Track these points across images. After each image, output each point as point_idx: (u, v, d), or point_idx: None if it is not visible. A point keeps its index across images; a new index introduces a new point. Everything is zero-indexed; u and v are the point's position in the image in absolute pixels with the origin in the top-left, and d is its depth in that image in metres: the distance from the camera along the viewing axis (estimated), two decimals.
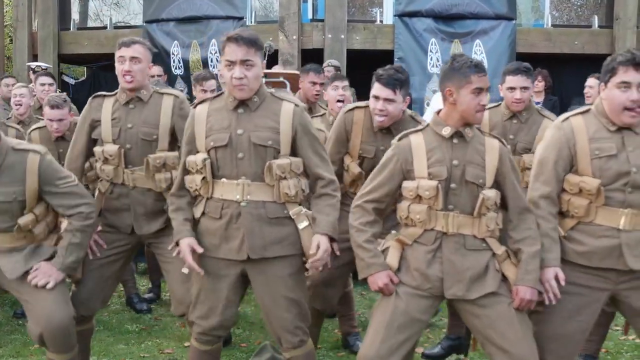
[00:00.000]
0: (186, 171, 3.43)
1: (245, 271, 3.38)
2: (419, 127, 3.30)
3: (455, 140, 3.17)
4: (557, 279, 3.19)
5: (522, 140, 4.55)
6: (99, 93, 4.05)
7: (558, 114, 7.03)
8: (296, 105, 3.40)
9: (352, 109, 4.09)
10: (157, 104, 3.90)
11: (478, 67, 3.11)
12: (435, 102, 7.58)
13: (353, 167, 4.04)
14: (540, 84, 8.09)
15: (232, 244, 3.32)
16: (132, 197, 3.86)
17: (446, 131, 3.17)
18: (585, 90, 7.17)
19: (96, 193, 3.99)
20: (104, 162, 3.88)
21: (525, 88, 4.52)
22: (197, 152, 3.39)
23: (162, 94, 3.96)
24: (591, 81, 7.04)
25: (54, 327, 3.43)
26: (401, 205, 3.24)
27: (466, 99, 3.11)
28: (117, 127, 3.86)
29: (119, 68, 3.85)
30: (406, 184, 3.20)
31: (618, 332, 5.17)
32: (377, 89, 3.92)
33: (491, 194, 3.13)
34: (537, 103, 8.01)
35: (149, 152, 3.85)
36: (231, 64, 3.24)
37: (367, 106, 4.05)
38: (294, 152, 3.38)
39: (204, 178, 3.34)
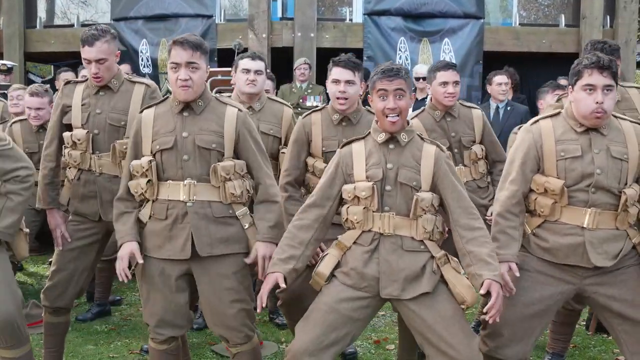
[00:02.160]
0: (130, 176, 3.47)
1: (190, 270, 3.44)
2: (362, 135, 3.40)
3: (391, 146, 3.26)
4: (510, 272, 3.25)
5: (464, 134, 4.60)
6: (71, 80, 4.11)
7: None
8: (239, 110, 3.49)
9: (309, 114, 4.17)
10: (127, 91, 3.95)
11: (385, 72, 3.19)
12: None
13: (319, 164, 4.06)
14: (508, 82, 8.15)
15: (176, 243, 3.38)
16: (98, 183, 3.91)
17: (381, 137, 3.26)
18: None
19: (65, 182, 4.06)
20: (72, 147, 3.92)
21: (456, 82, 4.57)
22: (142, 156, 3.44)
23: (134, 82, 4.01)
24: (564, 81, 7.12)
25: None
26: (342, 209, 3.32)
27: (374, 103, 3.23)
28: (86, 113, 3.91)
29: (87, 68, 3.90)
30: (345, 187, 3.28)
31: (585, 322, 5.23)
32: (336, 72, 4.00)
33: (426, 196, 3.18)
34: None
35: (116, 138, 3.89)
36: (177, 66, 3.34)
37: (323, 108, 4.16)
38: (237, 155, 3.47)
39: (149, 180, 3.39)
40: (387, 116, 3.18)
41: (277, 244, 3.36)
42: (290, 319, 4.16)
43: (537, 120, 3.41)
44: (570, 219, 3.27)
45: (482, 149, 4.64)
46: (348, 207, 3.27)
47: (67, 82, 4.06)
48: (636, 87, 4.38)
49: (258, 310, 3.27)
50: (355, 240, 3.26)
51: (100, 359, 4.62)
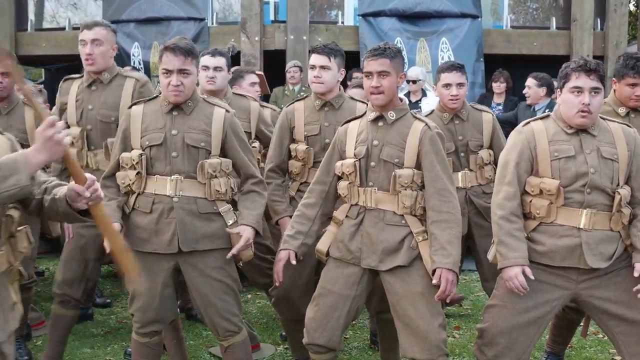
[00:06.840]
0: (119, 167, 3.56)
1: (177, 265, 3.53)
2: (359, 114, 3.59)
3: (380, 123, 3.41)
4: (524, 274, 3.25)
5: (471, 138, 4.60)
6: (69, 76, 4.18)
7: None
8: (227, 110, 3.60)
9: (292, 103, 4.31)
10: (119, 86, 4.01)
11: (370, 52, 3.36)
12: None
13: (301, 147, 4.15)
14: (502, 85, 8.20)
15: (163, 237, 3.47)
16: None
17: (370, 116, 3.42)
18: (525, 91, 7.29)
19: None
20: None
21: (460, 84, 4.57)
22: (132, 149, 3.52)
23: (126, 76, 4.08)
24: (530, 81, 7.18)
25: None
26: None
27: (364, 83, 3.41)
28: (80, 109, 3.98)
29: (81, 51, 3.95)
30: (337, 163, 3.48)
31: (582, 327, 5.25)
32: (312, 58, 4.14)
33: (404, 173, 3.31)
34: (499, 104, 8.12)
35: (108, 134, 3.96)
36: (168, 72, 3.43)
37: (306, 97, 4.27)
38: (224, 154, 3.57)
39: (138, 173, 3.47)
40: (371, 94, 3.33)
41: (257, 232, 3.56)
42: (283, 315, 4.26)
43: (529, 122, 3.46)
44: (567, 220, 3.29)
45: (490, 154, 4.62)
46: (339, 182, 3.51)
47: (65, 79, 4.10)
48: None
49: (276, 284, 3.61)
50: (346, 213, 3.48)
51: None
